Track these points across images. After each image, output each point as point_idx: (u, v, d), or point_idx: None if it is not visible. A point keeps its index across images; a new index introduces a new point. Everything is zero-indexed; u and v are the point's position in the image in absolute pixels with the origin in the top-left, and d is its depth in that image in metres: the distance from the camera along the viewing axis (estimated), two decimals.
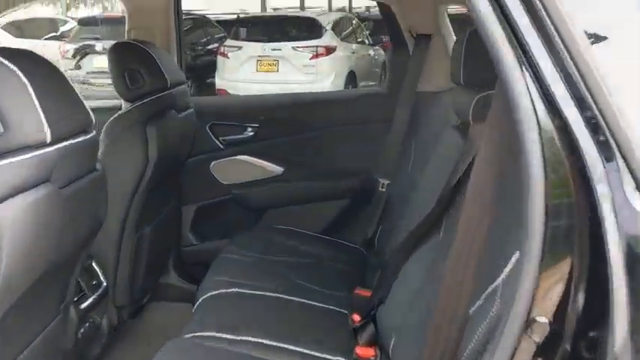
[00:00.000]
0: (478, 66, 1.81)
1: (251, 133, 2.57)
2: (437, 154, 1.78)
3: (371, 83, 9.54)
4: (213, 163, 2.55)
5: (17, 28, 10.08)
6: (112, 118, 1.90)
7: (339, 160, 2.56)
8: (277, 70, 8.45)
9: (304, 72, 8.35)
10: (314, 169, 2.57)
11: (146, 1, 2.40)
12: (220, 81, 8.59)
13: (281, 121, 2.58)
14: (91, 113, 1.32)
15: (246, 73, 8.39)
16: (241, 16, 10.91)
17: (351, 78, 8.84)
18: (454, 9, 2.50)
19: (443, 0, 2.29)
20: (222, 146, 2.56)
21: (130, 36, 2.42)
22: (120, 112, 1.93)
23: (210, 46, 9.62)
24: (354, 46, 9.34)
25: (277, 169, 2.55)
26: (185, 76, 2.35)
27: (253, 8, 15.81)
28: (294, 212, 2.55)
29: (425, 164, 1.90)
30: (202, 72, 9.00)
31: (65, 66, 9.16)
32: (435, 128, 2.04)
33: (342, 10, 15.13)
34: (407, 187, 2.09)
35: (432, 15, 2.30)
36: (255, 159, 2.55)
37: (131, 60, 1.97)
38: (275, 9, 16.04)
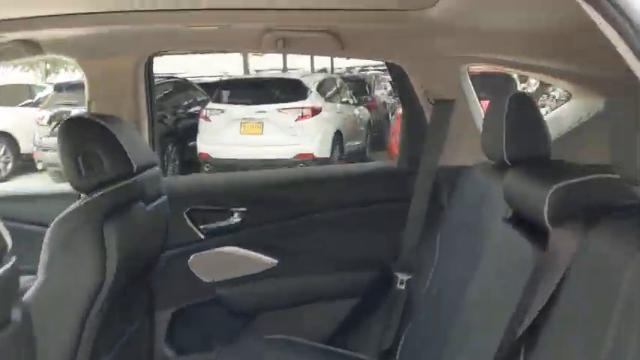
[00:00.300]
0: (530, 139, 1.45)
1: (238, 220, 2.13)
2: (484, 255, 1.37)
3: (357, 143, 9.36)
4: (192, 257, 2.11)
5: None
6: (57, 218, 1.47)
7: (346, 249, 2.13)
8: (262, 133, 8.22)
9: (290, 133, 8.13)
10: (315, 261, 2.13)
11: (109, 64, 2.01)
12: (203, 145, 8.33)
13: (274, 202, 2.16)
14: (5, 236, 0.89)
15: (229, 136, 8.16)
16: (224, 78, 10.74)
17: (338, 138, 8.63)
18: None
19: (465, 59, 1.94)
20: (202, 236, 2.13)
21: (91, 108, 2.02)
22: (70, 209, 1.50)
23: (192, 109, 9.43)
24: (338, 106, 9.28)
25: (270, 262, 2.11)
26: (159, 155, 1.95)
27: (235, 71, 15.75)
28: (291, 316, 2.09)
29: (463, 263, 1.50)
30: (184, 135, 8.81)
31: (41, 133, 8.82)
32: (469, 214, 1.65)
33: (323, 71, 15.17)
34: (436, 290, 1.66)
35: (453, 77, 1.95)
36: (243, 250, 2.11)
37: (86, 140, 1.55)
38: (257, 71, 16.02)
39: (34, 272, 1.46)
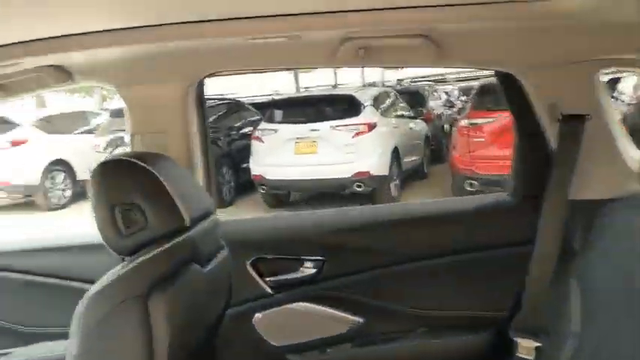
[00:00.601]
0: None
1: (312, 270, 1.76)
2: None
3: (414, 157, 8.96)
4: (258, 315, 1.75)
5: (49, 124, 9.84)
6: (89, 294, 1.13)
7: (449, 305, 1.72)
8: (316, 152, 7.91)
9: (345, 151, 7.80)
10: (410, 321, 1.73)
11: (154, 91, 1.68)
12: (256, 166, 8.08)
13: (357, 249, 1.76)
14: None
15: (283, 156, 7.89)
16: (275, 97, 10.54)
17: (395, 154, 8.23)
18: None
19: (602, 62, 1.50)
20: (270, 290, 1.76)
21: (134, 145, 1.69)
22: (105, 280, 1.16)
23: (244, 130, 9.30)
24: (394, 120, 8.91)
25: (354, 321, 1.73)
26: (215, 201, 1.59)
27: (284, 89, 15.63)
28: None
29: (635, 338, 1.08)
30: (237, 157, 8.65)
31: (97, 160, 8.83)
32: (626, 267, 1.22)
33: (372, 84, 14.84)
34: None
35: (587, 86, 1.52)
36: (319, 308, 1.74)
37: (125, 188, 1.22)
38: (306, 88, 15.84)
39: None
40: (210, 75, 1.72)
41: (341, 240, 1.77)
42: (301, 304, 1.74)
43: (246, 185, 8.45)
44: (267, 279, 1.76)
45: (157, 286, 1.16)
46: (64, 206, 9.26)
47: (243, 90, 14.41)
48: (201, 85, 1.75)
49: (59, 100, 18.08)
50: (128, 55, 1.51)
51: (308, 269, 1.76)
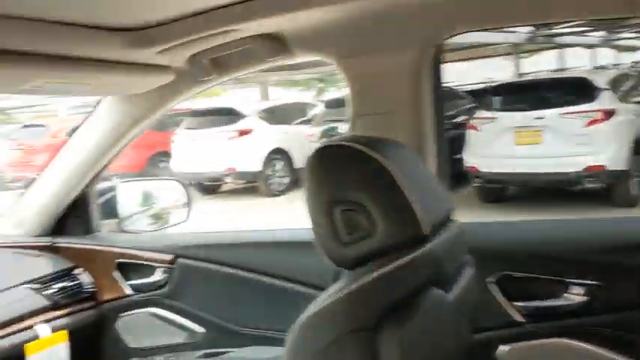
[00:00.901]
0: None
1: (582, 298, 1.30)
2: None
3: None
4: (503, 348, 1.36)
5: (271, 115, 10.51)
6: (303, 317, 0.87)
7: None
8: (541, 142, 7.11)
9: (576, 142, 6.90)
10: None
11: (379, 62, 1.37)
12: (471, 157, 7.58)
13: None
14: None
15: (501, 147, 7.29)
16: (492, 84, 9.85)
17: (637, 146, 7.01)
18: None
19: None
20: (521, 318, 1.35)
21: (356, 128, 1.41)
22: (321, 302, 0.88)
23: (457, 119, 8.81)
24: (636, 107, 7.57)
25: None
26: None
27: (500, 75, 14.59)
28: None
29: None
30: (450, 147, 8.17)
31: (312, 149, 9.17)
32: None
33: (602, 68, 13.05)
34: None
35: None
36: (591, 348, 1.28)
37: (348, 183, 0.93)
38: (522, 74, 14.59)
39: None
40: (449, 38, 1.35)
41: (625, 260, 1.28)
42: (565, 340, 1.30)
43: (458, 177, 7.96)
44: (519, 303, 1.35)
45: (389, 316, 0.85)
46: (282, 192, 9.78)
47: (456, 77, 13.78)
48: (438, 51, 1.39)
49: (280, 93, 19.45)
50: (349, 19, 1.24)
51: (575, 296, 1.30)
